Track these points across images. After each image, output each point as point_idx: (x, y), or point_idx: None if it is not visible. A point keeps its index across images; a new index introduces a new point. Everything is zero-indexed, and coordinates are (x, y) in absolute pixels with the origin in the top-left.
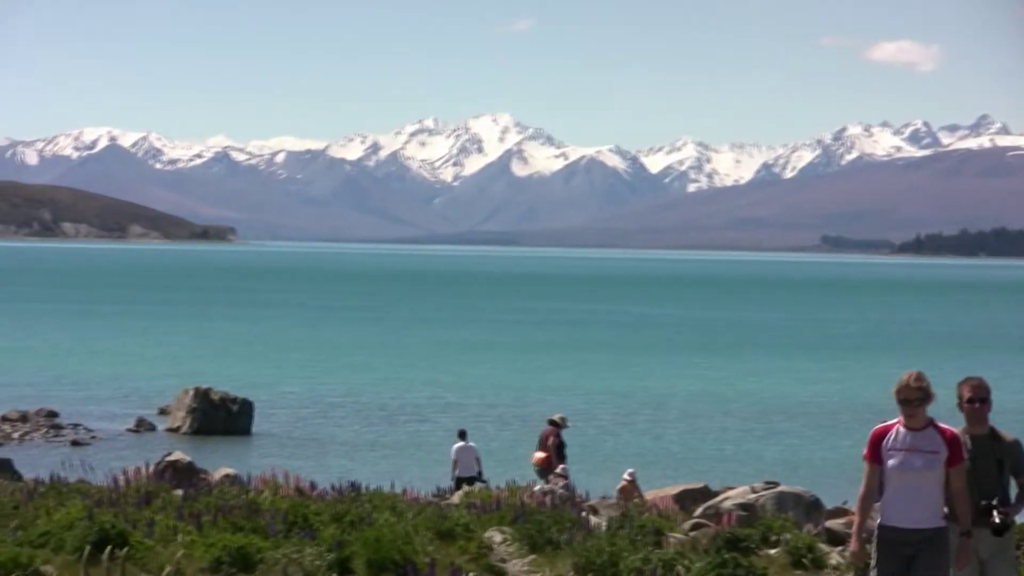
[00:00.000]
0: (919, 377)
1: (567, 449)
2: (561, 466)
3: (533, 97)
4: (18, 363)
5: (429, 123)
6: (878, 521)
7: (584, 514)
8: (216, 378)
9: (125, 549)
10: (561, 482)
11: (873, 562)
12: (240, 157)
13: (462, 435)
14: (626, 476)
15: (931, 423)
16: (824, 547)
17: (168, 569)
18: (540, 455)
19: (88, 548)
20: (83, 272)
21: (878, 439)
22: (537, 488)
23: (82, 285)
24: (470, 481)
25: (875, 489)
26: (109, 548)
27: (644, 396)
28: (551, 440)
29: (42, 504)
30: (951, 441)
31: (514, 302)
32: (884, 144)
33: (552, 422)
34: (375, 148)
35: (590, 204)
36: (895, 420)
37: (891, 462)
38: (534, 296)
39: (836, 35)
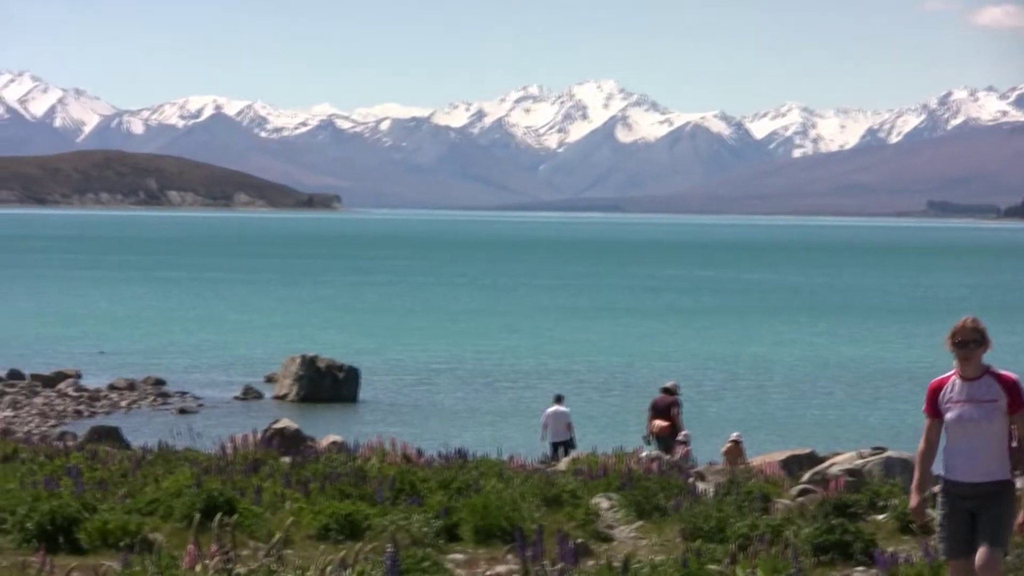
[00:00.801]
0: (976, 320)
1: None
2: (684, 432)
3: (638, 63)
4: (125, 331)
5: (534, 90)
6: (942, 476)
7: (691, 480)
8: (322, 345)
9: (234, 516)
10: (683, 449)
11: (938, 518)
12: (345, 125)
13: (558, 399)
14: (732, 438)
15: (987, 371)
16: (932, 512)
17: (277, 536)
18: (662, 423)
19: (197, 515)
20: (188, 241)
21: (935, 392)
22: (644, 454)
23: (187, 253)
24: (562, 446)
25: (935, 444)
26: (219, 515)
27: (748, 361)
28: (673, 409)
29: (150, 472)
30: (1010, 386)
31: (618, 268)
32: (990, 109)
33: (666, 390)
34: (480, 115)
35: (694, 170)
36: (951, 372)
37: (949, 415)
38: (637, 263)
39: None
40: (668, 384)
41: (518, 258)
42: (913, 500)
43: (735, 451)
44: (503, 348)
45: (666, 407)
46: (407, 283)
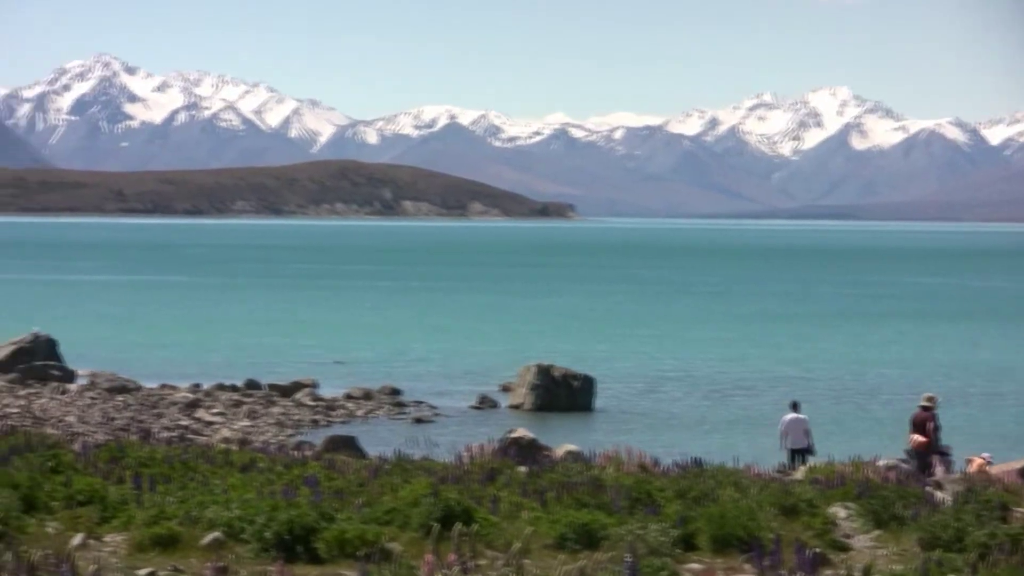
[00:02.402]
0: None
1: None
2: (946, 445)
3: (871, 70)
4: (361, 341)
5: (767, 97)
6: None
7: (928, 489)
8: (555, 354)
9: (473, 526)
10: (942, 469)
11: None
12: (579, 134)
13: (794, 407)
14: (983, 458)
15: None
16: None
17: (516, 545)
18: (919, 438)
19: (436, 525)
20: (423, 250)
21: None
22: (882, 462)
23: (422, 263)
24: (800, 453)
25: None
26: (457, 525)
27: (980, 368)
28: (928, 425)
29: (387, 481)
30: None
31: (850, 276)
32: None
33: (925, 407)
34: (713, 123)
35: (929, 177)
36: None
37: None
38: (871, 270)
39: None
40: (925, 399)
41: (751, 266)
42: None
43: (983, 473)
44: (733, 356)
45: (923, 422)
46: (640, 291)
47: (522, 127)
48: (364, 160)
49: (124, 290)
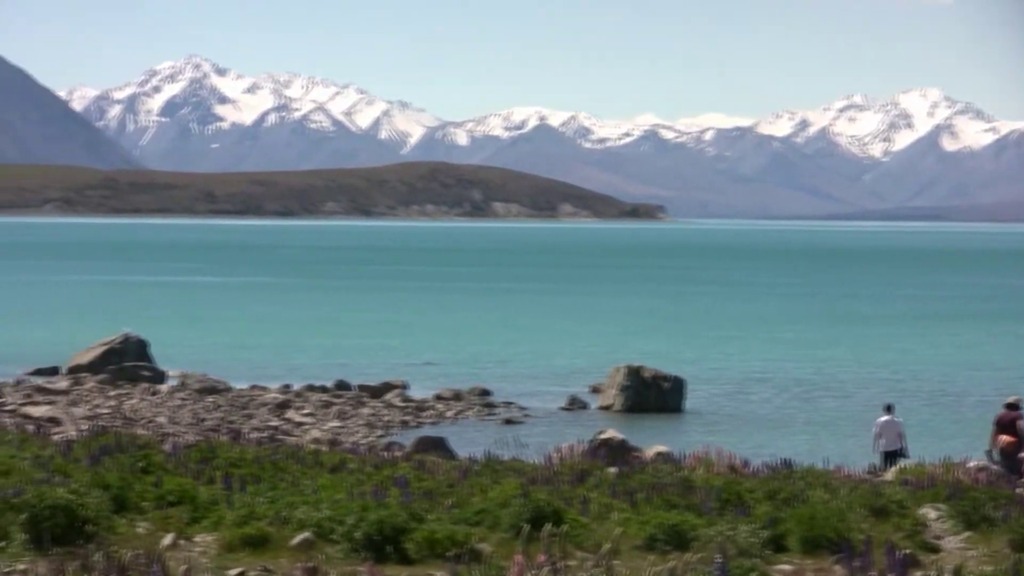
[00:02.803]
0: None
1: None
2: None
3: (962, 71)
4: (451, 341)
5: (858, 99)
6: None
7: (1020, 491)
8: (644, 355)
9: (562, 527)
10: None
11: None
12: (669, 135)
13: (888, 409)
14: None
15: None
16: None
17: (606, 546)
18: (1007, 438)
19: (526, 526)
20: (512, 252)
21: None
22: (972, 464)
23: (511, 264)
24: (894, 455)
25: None
26: (547, 526)
27: None
28: (1019, 423)
29: (477, 482)
30: None
31: (941, 277)
32: None
33: (1010, 405)
34: (803, 125)
35: (1021, 179)
36: None
37: None
38: (961, 272)
39: None
40: (1011, 400)
41: (841, 268)
42: None
43: None
44: (822, 357)
45: (1011, 422)
46: (729, 292)
47: (612, 128)
48: (454, 162)
49: (214, 291)
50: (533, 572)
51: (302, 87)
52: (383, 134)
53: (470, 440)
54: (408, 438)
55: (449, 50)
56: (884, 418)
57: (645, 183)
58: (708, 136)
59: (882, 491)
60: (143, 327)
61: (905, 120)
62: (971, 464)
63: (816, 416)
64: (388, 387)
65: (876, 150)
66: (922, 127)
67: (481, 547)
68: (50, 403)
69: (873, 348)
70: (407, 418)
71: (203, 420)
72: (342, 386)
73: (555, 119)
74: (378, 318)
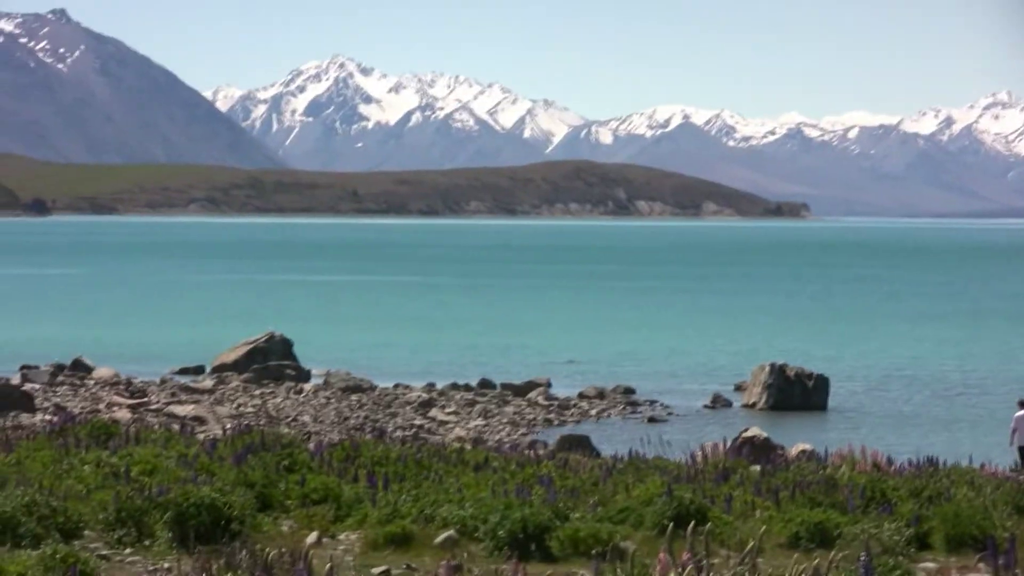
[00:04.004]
0: None
1: None
2: None
3: None
4: (594, 339)
5: (1003, 96)
6: None
7: None
8: (786, 352)
9: (707, 525)
10: None
11: None
12: (813, 133)
13: (1022, 404)
14: None
15: None
16: None
17: (751, 544)
18: None
19: (670, 524)
20: (656, 250)
21: None
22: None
23: (655, 263)
24: None
25: None
26: (691, 524)
27: None
28: None
29: (621, 480)
30: None
31: None
32: None
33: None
34: (948, 122)
35: None
36: None
37: None
38: None
39: None
40: None
41: (985, 265)
42: None
43: None
44: (964, 354)
45: None
46: (871, 289)
47: (756, 126)
48: (598, 160)
49: (358, 290)
50: (677, 570)
51: (446, 86)
52: (527, 133)
53: (613, 438)
54: (551, 436)
55: (593, 48)
56: (1020, 412)
57: (789, 181)
58: (852, 134)
59: None
60: (287, 326)
61: None
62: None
63: (958, 413)
64: (532, 385)
65: (1021, 148)
66: None
67: (625, 545)
68: (195, 402)
69: (1017, 345)
70: (550, 416)
71: (347, 419)
72: (485, 384)
73: (699, 117)
74: (522, 316)
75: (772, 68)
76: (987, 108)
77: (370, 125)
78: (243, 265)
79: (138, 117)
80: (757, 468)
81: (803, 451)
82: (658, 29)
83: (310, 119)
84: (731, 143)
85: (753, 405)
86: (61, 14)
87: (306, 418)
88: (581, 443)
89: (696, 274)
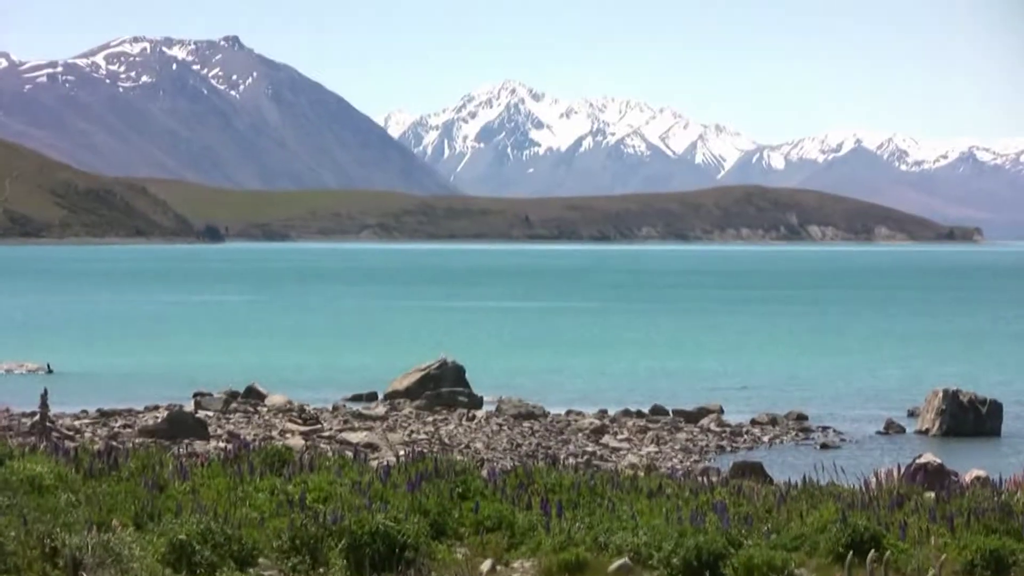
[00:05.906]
0: None
1: None
2: None
3: None
4: (767, 365)
5: None
6: None
7: None
8: (957, 378)
9: (886, 553)
10: None
11: None
12: (986, 156)
13: None
14: None
15: None
16: None
17: (931, 572)
18: None
19: (849, 552)
20: (827, 274)
21: None
22: None
23: (826, 287)
24: None
25: None
26: (871, 552)
27: None
28: None
29: (795, 507)
30: None
31: None
32: None
33: None
34: None
35: None
36: None
37: None
38: None
39: None
40: None
41: None
42: None
43: None
44: None
45: None
46: None
47: (928, 150)
48: (769, 185)
49: (530, 316)
50: None
51: (618, 111)
52: (698, 158)
53: (786, 465)
54: (724, 463)
55: (765, 73)
56: None
57: (961, 205)
58: None
59: None
60: (459, 352)
61: None
62: None
63: None
64: (704, 412)
65: None
66: None
67: (800, 572)
68: (368, 429)
69: None
70: (723, 443)
71: (519, 445)
72: (657, 411)
73: (871, 141)
74: (692, 340)
75: (945, 90)
76: None
77: (541, 151)
78: (415, 291)
79: (310, 143)
80: (931, 495)
81: (977, 477)
82: (830, 52)
83: (481, 145)
84: (903, 167)
85: (927, 431)
86: (234, 41)
87: (478, 445)
88: (754, 470)
89: (866, 298)
